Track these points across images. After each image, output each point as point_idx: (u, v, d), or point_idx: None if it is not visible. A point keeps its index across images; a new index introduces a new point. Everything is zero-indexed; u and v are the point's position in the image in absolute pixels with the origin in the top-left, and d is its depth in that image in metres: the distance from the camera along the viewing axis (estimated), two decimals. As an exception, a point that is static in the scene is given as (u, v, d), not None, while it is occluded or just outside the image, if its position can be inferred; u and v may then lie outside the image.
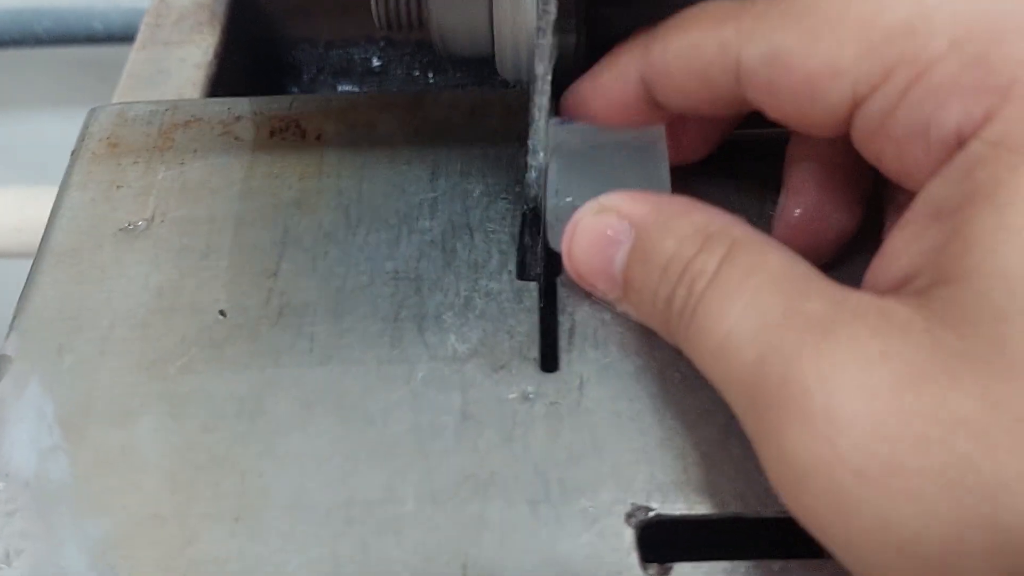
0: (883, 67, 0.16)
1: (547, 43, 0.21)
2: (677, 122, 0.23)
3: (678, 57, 0.20)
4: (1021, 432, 0.13)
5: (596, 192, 0.21)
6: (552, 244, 0.22)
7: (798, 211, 0.22)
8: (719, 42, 0.19)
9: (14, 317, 0.23)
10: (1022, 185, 0.14)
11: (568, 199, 0.22)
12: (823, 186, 0.21)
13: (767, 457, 0.16)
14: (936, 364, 0.14)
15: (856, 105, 0.17)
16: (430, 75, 0.38)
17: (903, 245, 0.17)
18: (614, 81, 0.22)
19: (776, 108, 0.19)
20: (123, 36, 0.48)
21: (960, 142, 0.16)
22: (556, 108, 0.23)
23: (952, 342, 0.14)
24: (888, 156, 0.17)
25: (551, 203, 0.22)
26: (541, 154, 0.22)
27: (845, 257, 0.22)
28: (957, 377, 0.14)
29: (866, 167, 0.19)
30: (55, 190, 0.26)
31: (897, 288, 0.16)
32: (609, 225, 0.20)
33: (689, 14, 0.20)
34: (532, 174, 0.22)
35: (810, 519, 0.16)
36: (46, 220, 0.25)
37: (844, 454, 0.14)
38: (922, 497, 0.14)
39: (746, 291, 0.17)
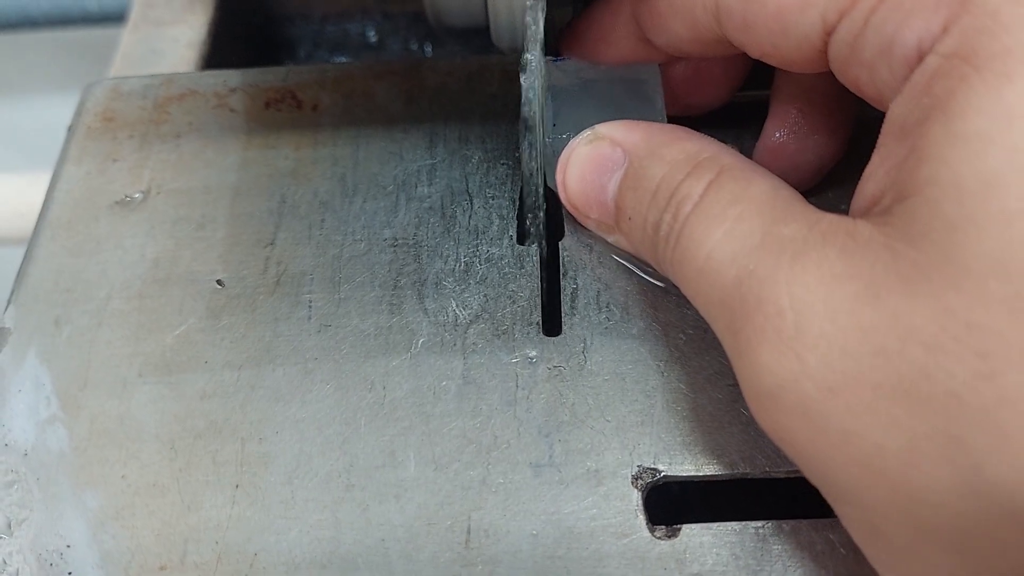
0: None
1: (536, 29, 0.20)
2: (693, 67, 0.23)
3: None
4: (970, 339, 0.13)
5: (592, 125, 0.21)
6: (550, 182, 0.22)
7: (777, 135, 0.22)
8: None
9: (12, 290, 0.23)
10: (972, 94, 0.14)
11: (564, 135, 0.22)
12: (803, 112, 0.22)
13: (742, 375, 0.16)
14: (893, 278, 0.14)
15: (827, 34, 0.17)
16: (427, 47, 0.38)
17: (873, 167, 0.17)
18: (608, 18, 0.22)
19: (754, 45, 0.19)
20: (118, 15, 0.48)
21: (921, 58, 0.15)
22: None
23: (909, 255, 0.14)
24: (863, 81, 0.17)
25: (548, 139, 0.22)
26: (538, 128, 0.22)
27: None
28: (912, 288, 0.14)
29: (847, 95, 0.19)
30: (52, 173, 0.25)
31: (868, 209, 0.16)
32: (602, 153, 0.20)
33: None
34: (527, 154, 0.22)
35: (781, 435, 0.16)
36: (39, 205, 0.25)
37: (812, 370, 0.15)
38: (880, 409, 0.14)
39: (728, 216, 0.17)
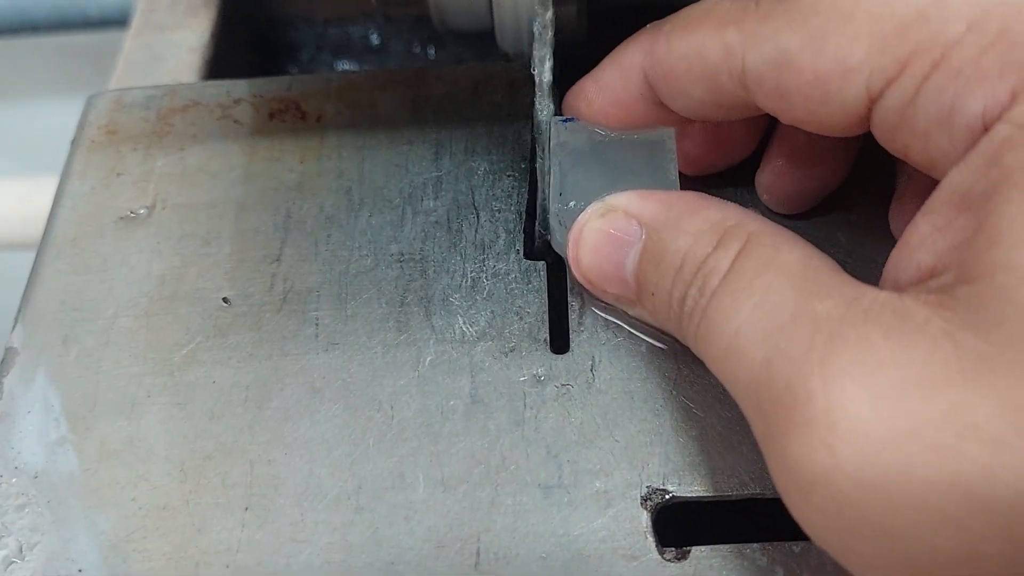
0: (897, 60, 0.16)
1: (546, 28, 0.20)
2: (712, 129, 0.22)
3: (682, 60, 0.19)
4: None
5: (601, 193, 0.20)
6: (556, 248, 0.21)
7: (782, 159, 0.22)
8: (723, 46, 0.18)
9: (19, 309, 0.23)
10: None
11: (572, 203, 0.21)
12: (806, 138, 0.21)
13: (772, 464, 0.15)
14: (953, 368, 0.13)
15: (872, 101, 0.16)
16: (430, 50, 0.37)
17: (926, 236, 0.16)
18: (618, 80, 0.21)
19: (787, 112, 0.18)
20: (119, 20, 0.47)
21: (986, 127, 0.15)
22: (559, 92, 0.23)
23: (973, 344, 0.13)
24: (914, 149, 0.16)
25: (554, 208, 0.21)
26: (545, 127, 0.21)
27: (863, 244, 0.22)
28: (975, 381, 0.13)
29: None
30: (55, 179, 0.25)
31: (918, 283, 0.15)
32: (616, 226, 0.19)
33: (694, 12, 0.19)
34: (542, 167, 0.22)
35: (815, 531, 0.15)
36: (46, 210, 0.25)
37: (845, 463, 0.14)
38: (933, 508, 0.13)
39: (756, 289, 0.16)
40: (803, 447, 0.14)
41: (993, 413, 0.13)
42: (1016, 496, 0.13)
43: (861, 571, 0.15)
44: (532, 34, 0.22)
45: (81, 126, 0.26)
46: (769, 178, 0.22)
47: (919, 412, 0.13)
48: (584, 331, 0.21)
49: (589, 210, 0.20)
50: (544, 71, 0.20)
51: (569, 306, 0.22)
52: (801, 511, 0.15)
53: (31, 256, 0.24)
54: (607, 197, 0.19)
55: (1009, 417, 0.13)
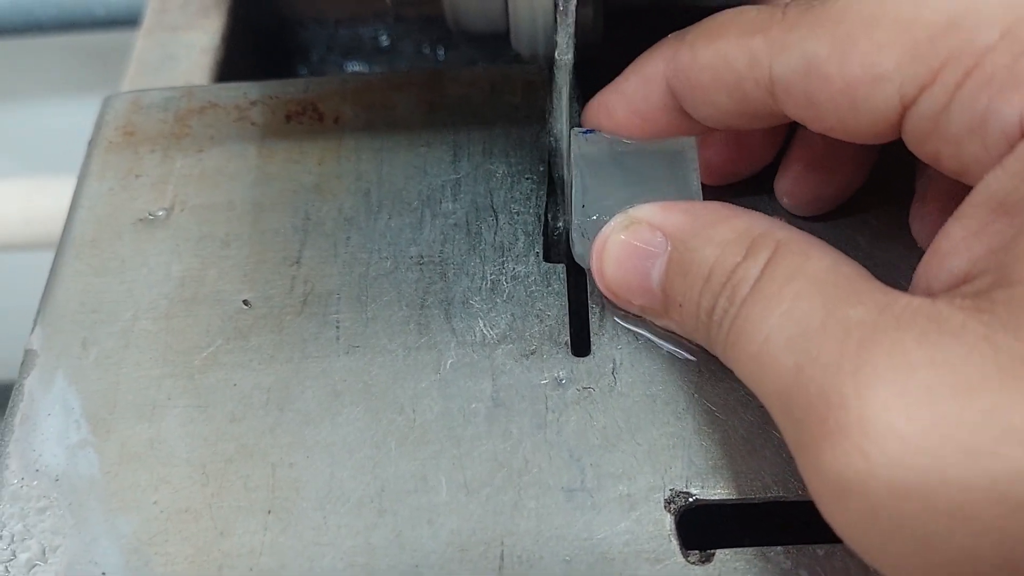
0: (930, 67, 0.16)
1: (567, 32, 0.20)
2: (734, 137, 0.22)
3: (707, 68, 0.19)
4: None
5: (623, 206, 0.20)
6: (579, 261, 0.21)
7: (803, 163, 0.22)
8: (749, 54, 0.18)
9: (38, 311, 0.23)
10: None
11: (594, 216, 0.21)
12: (830, 141, 0.20)
13: (805, 471, 0.15)
14: (991, 370, 0.13)
15: (905, 108, 0.16)
16: (439, 51, 0.37)
17: (959, 242, 0.16)
18: (640, 90, 0.21)
19: (816, 120, 0.18)
20: (126, 20, 0.47)
21: (1023, 133, 0.15)
22: (578, 97, 0.22)
23: (1012, 346, 0.13)
24: (946, 156, 0.16)
25: (576, 220, 0.21)
26: (563, 134, 0.21)
27: (884, 246, 0.22)
28: (1015, 382, 0.13)
29: None
30: (64, 180, 0.25)
31: (952, 288, 0.15)
32: (641, 238, 0.19)
33: (718, 21, 0.19)
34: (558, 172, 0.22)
35: (850, 537, 0.15)
36: (54, 211, 0.25)
37: (880, 468, 0.13)
38: (969, 513, 0.13)
39: (786, 297, 0.16)
40: (837, 453, 0.14)
41: None
42: None
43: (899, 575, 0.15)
44: (547, 37, 0.22)
45: (98, 127, 0.26)
46: (789, 183, 0.22)
47: (955, 415, 0.13)
48: (605, 334, 0.21)
49: (612, 222, 0.20)
50: (562, 79, 0.20)
51: (590, 309, 0.22)
52: (836, 517, 0.15)
53: (34, 256, 0.24)
54: (630, 209, 0.19)
55: None
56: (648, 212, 0.19)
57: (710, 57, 0.19)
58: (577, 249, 0.21)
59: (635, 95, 0.21)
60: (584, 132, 0.22)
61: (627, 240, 0.19)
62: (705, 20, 0.19)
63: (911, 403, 0.13)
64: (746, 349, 0.16)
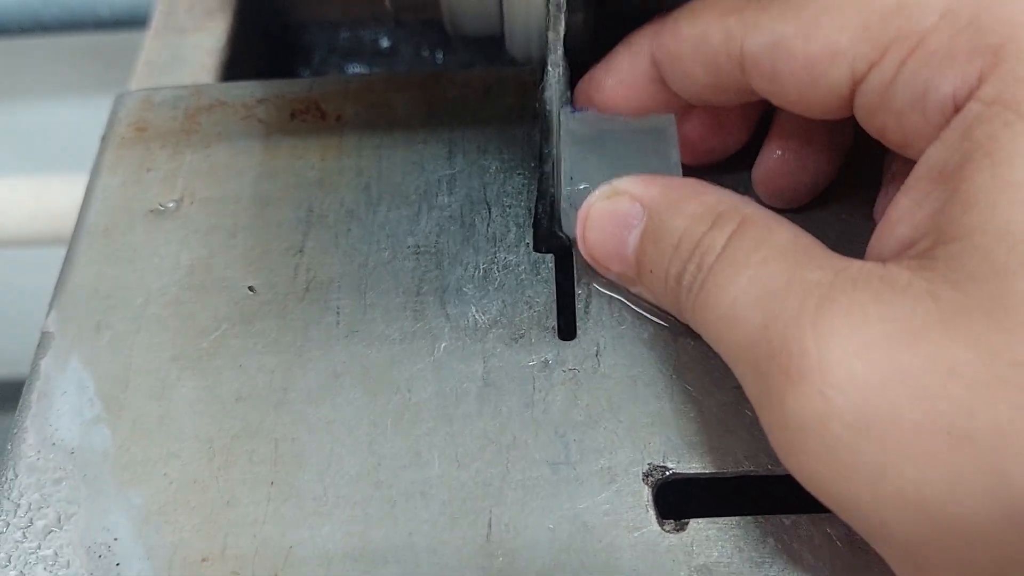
0: (878, 45, 0.17)
1: (558, 33, 0.21)
2: (710, 115, 0.23)
3: (687, 42, 0.20)
4: (1016, 377, 0.14)
5: (608, 177, 0.21)
6: (567, 230, 0.23)
7: (778, 153, 0.23)
8: (724, 31, 0.19)
9: (53, 295, 0.24)
10: (1019, 140, 0.15)
11: (582, 186, 0.22)
12: (802, 131, 0.22)
13: (767, 420, 0.17)
14: (934, 319, 0.14)
15: (856, 83, 0.18)
16: (438, 54, 0.39)
17: (905, 211, 0.17)
18: (628, 63, 0.22)
19: (779, 94, 0.19)
20: (130, 21, 0.48)
21: (957, 106, 0.16)
22: (569, 93, 0.24)
23: (952, 298, 0.14)
24: (890, 128, 0.18)
25: (565, 190, 0.22)
26: (554, 114, 0.23)
27: (851, 238, 0.23)
28: (955, 330, 0.14)
29: (849, 117, 0.19)
30: (70, 178, 0.26)
31: (900, 253, 0.17)
32: (621, 207, 0.20)
33: (701, 2, 0.21)
34: (547, 166, 0.23)
35: (808, 478, 0.16)
36: (62, 207, 0.26)
37: (838, 409, 0.15)
38: (919, 447, 0.14)
39: (752, 262, 0.17)
40: (798, 398, 0.15)
41: (971, 357, 0.14)
42: (995, 430, 0.14)
43: (853, 512, 0.16)
44: (541, 40, 0.23)
45: (111, 123, 0.28)
46: (764, 172, 0.23)
47: (905, 360, 0.14)
48: (590, 319, 0.23)
49: (597, 192, 0.21)
50: (557, 57, 0.22)
51: (576, 296, 0.23)
52: (796, 459, 0.16)
53: (37, 252, 0.25)
54: (614, 181, 0.21)
55: (986, 360, 0.14)
56: (629, 184, 0.21)
57: (690, 32, 0.20)
58: (568, 219, 0.23)
59: (622, 67, 0.23)
60: (574, 111, 0.23)
61: (608, 208, 0.21)
62: (689, 2, 0.21)
63: (866, 350, 0.15)
64: (714, 311, 0.18)
